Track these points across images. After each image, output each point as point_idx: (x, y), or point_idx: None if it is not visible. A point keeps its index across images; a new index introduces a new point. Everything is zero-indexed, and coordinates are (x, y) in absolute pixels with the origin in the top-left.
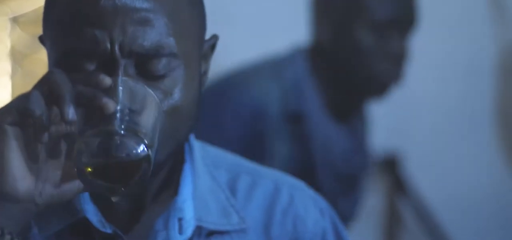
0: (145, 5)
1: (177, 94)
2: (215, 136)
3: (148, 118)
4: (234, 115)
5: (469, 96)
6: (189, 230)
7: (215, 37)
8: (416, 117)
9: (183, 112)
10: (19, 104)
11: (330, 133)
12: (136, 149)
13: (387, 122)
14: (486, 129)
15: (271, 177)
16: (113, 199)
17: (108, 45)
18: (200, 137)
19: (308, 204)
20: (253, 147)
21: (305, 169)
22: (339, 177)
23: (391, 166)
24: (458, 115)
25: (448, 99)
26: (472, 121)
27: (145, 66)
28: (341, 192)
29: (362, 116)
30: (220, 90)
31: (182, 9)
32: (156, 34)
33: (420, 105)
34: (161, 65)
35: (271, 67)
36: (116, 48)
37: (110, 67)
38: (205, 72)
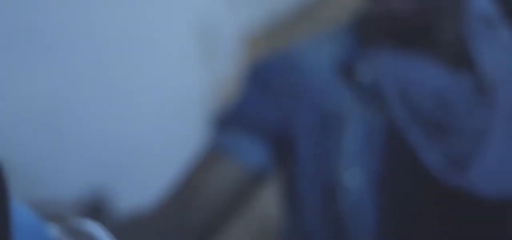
0: None
1: None
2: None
3: None
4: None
5: (180, 130)
6: None
7: None
8: (127, 153)
9: None
10: None
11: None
12: None
13: (95, 158)
14: None
15: None
16: None
17: None
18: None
19: None
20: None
21: None
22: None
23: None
24: (171, 151)
25: (160, 136)
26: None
27: None
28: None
29: None
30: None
31: None
32: None
33: (130, 145)
34: None
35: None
36: None
37: None
38: None
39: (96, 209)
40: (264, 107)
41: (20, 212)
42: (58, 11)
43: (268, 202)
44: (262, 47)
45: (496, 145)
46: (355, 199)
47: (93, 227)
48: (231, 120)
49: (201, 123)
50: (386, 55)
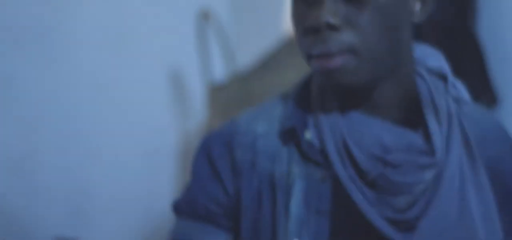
0: None
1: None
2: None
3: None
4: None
5: (150, 181)
6: None
7: None
8: (94, 203)
9: None
10: None
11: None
12: None
13: (64, 207)
14: (167, 215)
15: None
16: None
17: None
18: None
19: None
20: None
21: None
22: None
23: None
24: (138, 202)
25: (127, 184)
26: (153, 206)
27: None
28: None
29: None
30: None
31: None
32: None
33: (97, 195)
34: None
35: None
36: None
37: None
38: None
39: None
40: (213, 189)
41: None
42: (26, 60)
43: None
44: (229, 96)
45: (442, 204)
46: None
47: None
48: (187, 209)
49: (171, 171)
50: (331, 116)
